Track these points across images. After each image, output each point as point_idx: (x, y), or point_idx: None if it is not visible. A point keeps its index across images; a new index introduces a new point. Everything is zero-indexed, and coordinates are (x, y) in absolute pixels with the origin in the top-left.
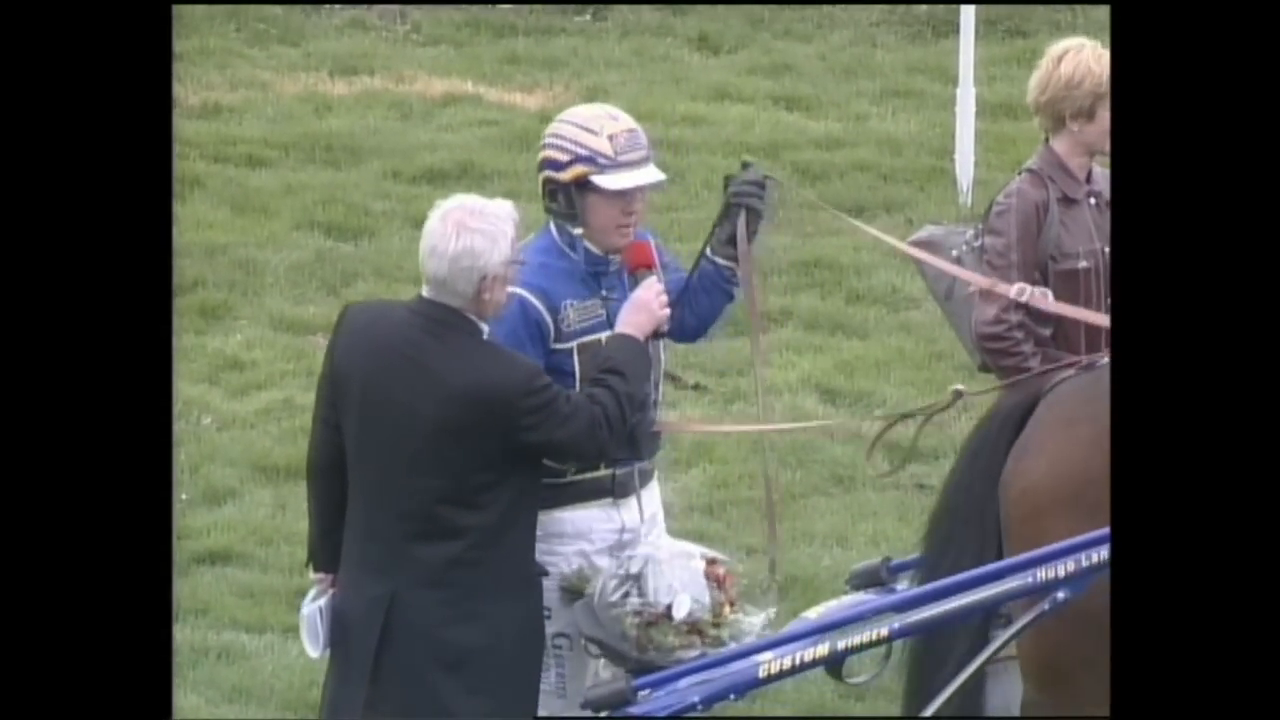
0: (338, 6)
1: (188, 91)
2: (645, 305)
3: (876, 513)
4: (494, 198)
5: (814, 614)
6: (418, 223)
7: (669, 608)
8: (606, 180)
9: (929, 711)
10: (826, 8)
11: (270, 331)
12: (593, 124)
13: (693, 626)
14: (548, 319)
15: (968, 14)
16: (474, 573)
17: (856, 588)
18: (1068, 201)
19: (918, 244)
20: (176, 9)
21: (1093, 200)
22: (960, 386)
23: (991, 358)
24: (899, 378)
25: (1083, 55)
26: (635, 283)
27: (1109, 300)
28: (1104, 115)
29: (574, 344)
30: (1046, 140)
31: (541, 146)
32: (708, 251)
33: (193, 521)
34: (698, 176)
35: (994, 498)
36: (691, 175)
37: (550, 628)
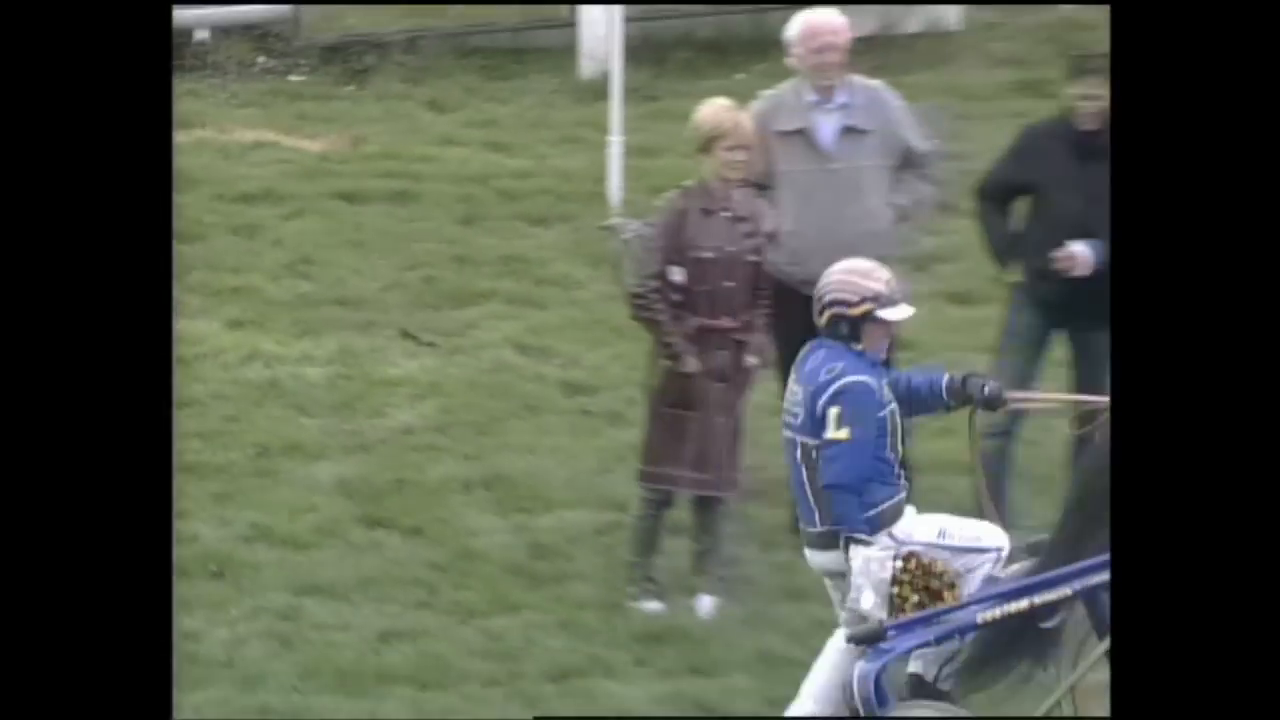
0: (178, 77)
1: None
2: None
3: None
4: (286, 215)
5: (1006, 574)
6: (235, 231)
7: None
8: (889, 313)
9: (1042, 711)
10: (517, 81)
11: None
12: (871, 274)
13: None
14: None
15: (616, 83)
16: None
17: (1031, 555)
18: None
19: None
20: None
21: (726, 212)
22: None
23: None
24: None
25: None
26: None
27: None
28: (719, 153)
29: (886, 411)
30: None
31: (829, 289)
32: (944, 385)
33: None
34: (430, 199)
35: None
36: (426, 198)
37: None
